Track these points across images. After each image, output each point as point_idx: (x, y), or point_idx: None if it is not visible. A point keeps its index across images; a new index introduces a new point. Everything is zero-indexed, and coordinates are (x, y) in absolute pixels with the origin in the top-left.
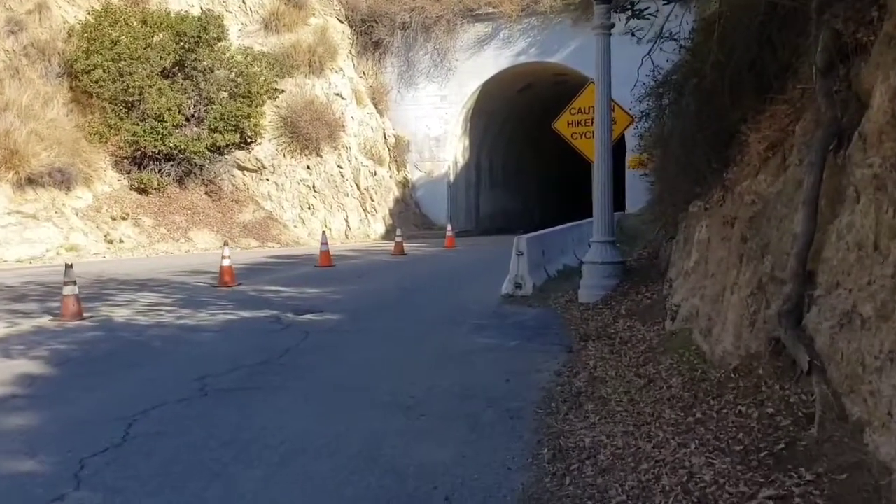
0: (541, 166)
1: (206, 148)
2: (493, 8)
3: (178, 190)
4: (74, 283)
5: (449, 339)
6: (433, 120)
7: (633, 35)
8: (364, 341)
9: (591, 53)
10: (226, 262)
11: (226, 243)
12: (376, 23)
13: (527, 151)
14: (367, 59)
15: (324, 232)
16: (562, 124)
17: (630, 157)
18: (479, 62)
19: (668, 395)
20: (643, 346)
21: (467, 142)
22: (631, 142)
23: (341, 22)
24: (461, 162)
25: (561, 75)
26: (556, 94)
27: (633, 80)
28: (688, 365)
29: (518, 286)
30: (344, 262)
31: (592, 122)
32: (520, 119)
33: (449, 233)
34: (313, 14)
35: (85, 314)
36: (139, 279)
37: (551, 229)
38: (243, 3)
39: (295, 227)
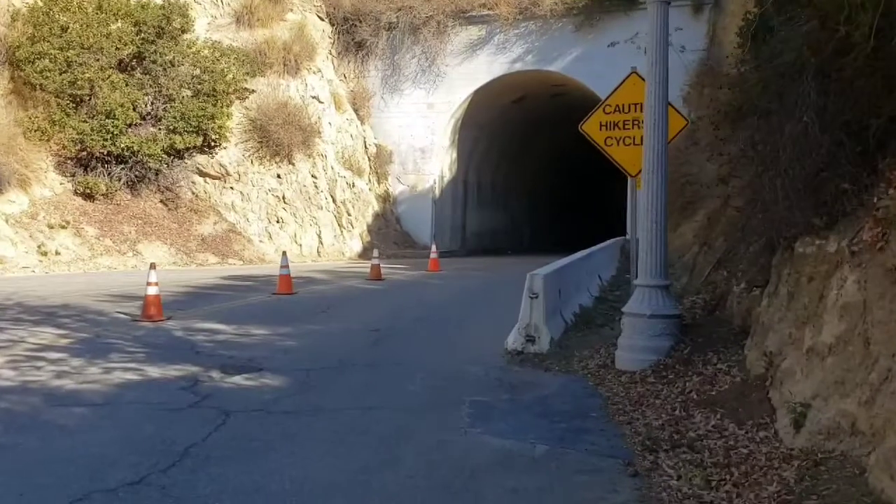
0: (531, 184)
1: (163, 150)
2: (488, 10)
3: (128, 197)
4: None
5: (440, 437)
6: (419, 129)
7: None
8: (308, 438)
9: (593, 63)
10: (151, 291)
11: (153, 266)
12: (360, 22)
13: (517, 167)
14: (349, 61)
15: (284, 253)
16: (592, 126)
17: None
18: (470, 68)
19: None
20: (772, 485)
21: (455, 154)
22: None
23: (321, 19)
24: (448, 176)
25: (560, 85)
26: (554, 107)
27: None
28: None
29: (530, 339)
30: (308, 289)
31: (636, 125)
32: (513, 132)
33: (433, 255)
34: (291, 9)
35: None
36: (52, 304)
37: (566, 262)
38: None
39: (261, 241)
